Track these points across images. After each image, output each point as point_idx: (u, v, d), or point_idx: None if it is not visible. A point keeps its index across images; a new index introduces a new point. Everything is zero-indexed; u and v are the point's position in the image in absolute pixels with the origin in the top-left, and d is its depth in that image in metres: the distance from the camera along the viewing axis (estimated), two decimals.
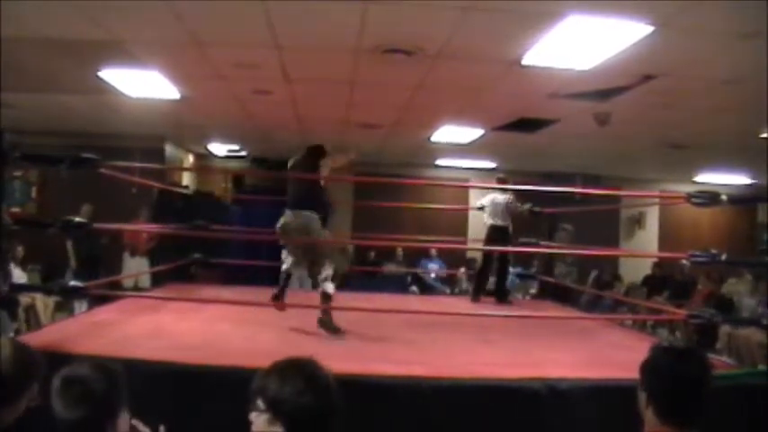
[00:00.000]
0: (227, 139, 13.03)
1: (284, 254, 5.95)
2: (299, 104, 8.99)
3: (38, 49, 6.52)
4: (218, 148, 14.04)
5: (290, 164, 6.04)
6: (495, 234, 8.36)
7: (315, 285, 5.97)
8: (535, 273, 10.07)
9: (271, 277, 10.37)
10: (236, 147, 13.85)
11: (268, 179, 13.67)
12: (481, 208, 8.68)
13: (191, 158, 14.43)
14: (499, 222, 8.37)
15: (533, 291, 11.27)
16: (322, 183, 5.87)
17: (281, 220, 5.74)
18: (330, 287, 5.58)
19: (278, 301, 5.81)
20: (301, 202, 5.72)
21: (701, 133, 9.52)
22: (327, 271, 5.63)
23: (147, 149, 11.02)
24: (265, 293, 6.00)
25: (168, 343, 4.66)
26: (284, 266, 5.92)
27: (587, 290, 11.34)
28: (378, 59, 6.48)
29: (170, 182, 12.19)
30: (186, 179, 13.93)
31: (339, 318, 5.63)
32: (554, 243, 10.17)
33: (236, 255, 9.42)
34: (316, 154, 5.93)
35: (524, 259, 11.46)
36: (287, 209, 5.76)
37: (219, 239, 9.09)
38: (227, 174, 15.78)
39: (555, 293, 9.59)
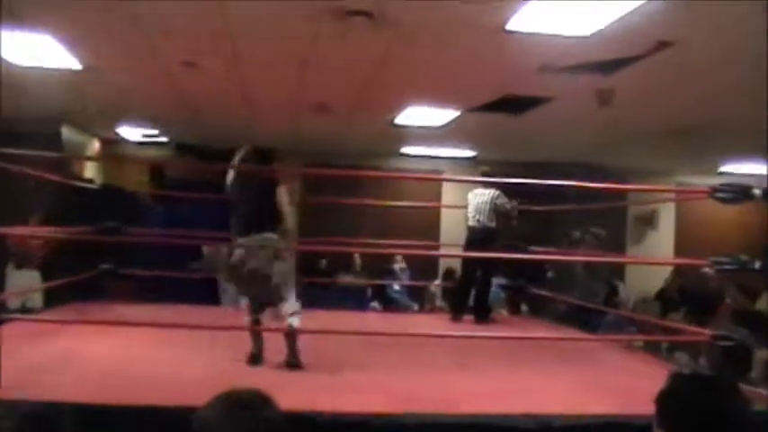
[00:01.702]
0: (144, 120, 12.86)
1: (226, 287, 5.86)
2: (242, 80, 8.92)
3: None
4: (132, 132, 13.85)
5: (230, 177, 6.01)
6: (478, 237, 8.38)
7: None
8: (521, 284, 10.12)
9: (199, 291, 10.30)
10: (154, 131, 13.69)
11: (198, 171, 13.49)
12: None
13: (96, 145, 14.24)
14: (483, 223, 8.40)
15: (525, 307, 11.31)
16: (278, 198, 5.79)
17: (237, 255, 5.65)
18: (296, 321, 5.58)
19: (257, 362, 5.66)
20: (260, 223, 5.68)
21: (728, 114, 9.61)
22: (292, 304, 5.64)
23: (38, 134, 10.82)
24: (193, 311, 5.96)
25: (70, 377, 4.59)
26: (247, 318, 5.78)
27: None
28: (336, 25, 6.45)
29: (69, 174, 12.01)
30: (90, 171, 13.74)
31: (278, 340, 5.63)
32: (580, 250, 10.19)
33: (157, 264, 9.32)
34: (268, 161, 6.03)
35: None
36: (238, 234, 5.71)
37: (136, 245, 8.98)
38: (145, 164, 15.48)
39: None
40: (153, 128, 13.47)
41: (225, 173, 6.09)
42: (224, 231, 6.06)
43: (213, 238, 8.02)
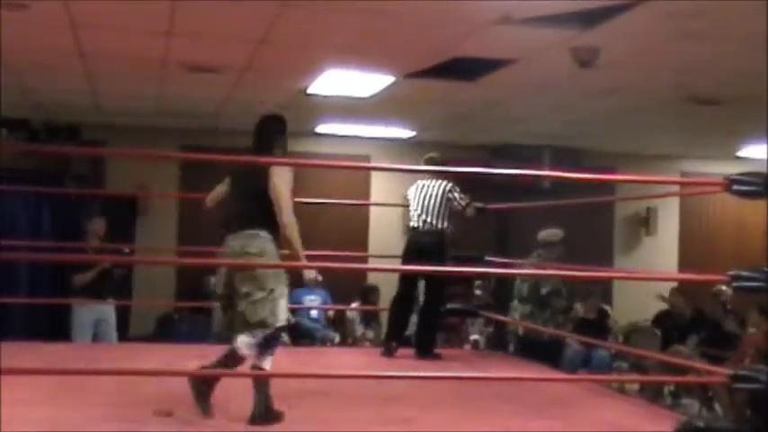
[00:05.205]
0: None
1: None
2: (82, 28, 8.78)
3: None
4: None
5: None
6: (425, 244, 8.39)
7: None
8: (477, 307, 10.17)
9: (32, 322, 10.12)
10: None
11: (31, 156, 13.29)
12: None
13: None
14: (431, 225, 8.41)
15: (475, 336, 11.37)
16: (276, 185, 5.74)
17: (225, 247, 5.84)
18: (267, 362, 5.57)
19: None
20: (247, 219, 5.78)
21: (748, 80, 9.73)
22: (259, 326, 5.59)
23: None
24: (20, 352, 5.82)
25: None
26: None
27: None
28: None
29: None
30: None
31: (156, 386, 5.59)
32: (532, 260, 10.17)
33: None
34: (269, 132, 6.04)
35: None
36: (228, 231, 5.85)
37: None
38: None
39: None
40: None
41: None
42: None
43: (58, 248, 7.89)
